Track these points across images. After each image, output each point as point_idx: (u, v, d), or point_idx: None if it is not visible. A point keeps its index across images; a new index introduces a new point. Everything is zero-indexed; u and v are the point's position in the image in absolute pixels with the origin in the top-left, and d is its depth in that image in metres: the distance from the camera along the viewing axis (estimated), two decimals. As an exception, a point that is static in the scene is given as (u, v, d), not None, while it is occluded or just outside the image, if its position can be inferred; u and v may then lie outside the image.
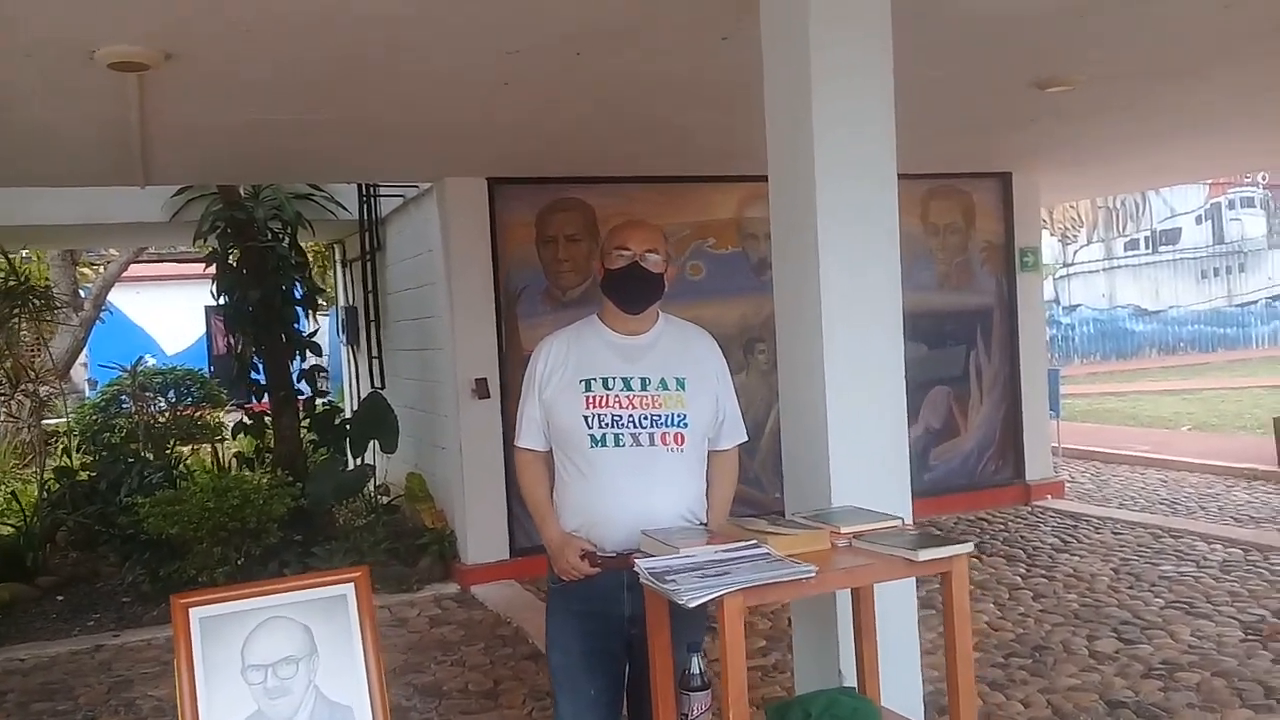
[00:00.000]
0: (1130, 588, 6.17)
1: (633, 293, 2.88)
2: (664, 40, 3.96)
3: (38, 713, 5.15)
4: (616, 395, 2.81)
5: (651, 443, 2.79)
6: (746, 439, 3.07)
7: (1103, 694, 4.57)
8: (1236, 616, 5.51)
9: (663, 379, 2.84)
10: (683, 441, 2.83)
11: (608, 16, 3.66)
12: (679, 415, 2.83)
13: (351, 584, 2.57)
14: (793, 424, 3.19)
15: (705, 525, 2.87)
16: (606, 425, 2.79)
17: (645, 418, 2.80)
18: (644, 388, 2.83)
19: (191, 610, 2.45)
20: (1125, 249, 23.70)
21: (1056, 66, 4.87)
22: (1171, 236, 23.69)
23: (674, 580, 2.23)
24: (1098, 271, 23.55)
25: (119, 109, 4.43)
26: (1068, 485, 9.28)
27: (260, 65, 4.01)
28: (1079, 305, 23.28)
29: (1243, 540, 7.11)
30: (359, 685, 2.49)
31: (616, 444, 2.78)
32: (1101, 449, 11.37)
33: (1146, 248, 23.67)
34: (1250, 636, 5.18)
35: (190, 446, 10.16)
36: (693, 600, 2.15)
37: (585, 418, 2.80)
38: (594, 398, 2.81)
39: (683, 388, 2.85)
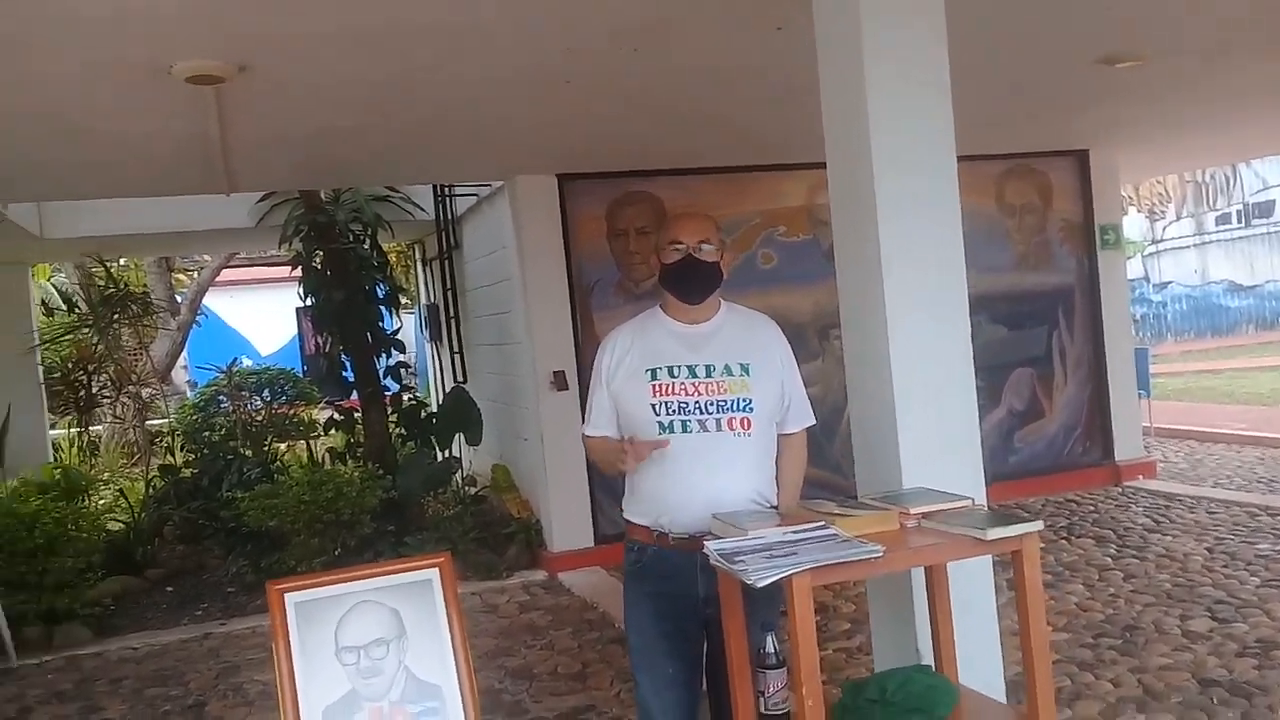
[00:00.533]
0: (1225, 567, 6.04)
1: (690, 284, 2.94)
2: (719, 33, 4.01)
3: (151, 698, 5.43)
4: (682, 383, 2.88)
5: (718, 428, 2.85)
6: (814, 422, 3.11)
7: (1195, 673, 4.51)
8: (1334, 594, 5.37)
9: (726, 365, 2.90)
10: (749, 426, 2.88)
11: (661, 11, 3.72)
12: (744, 400, 2.88)
13: (436, 569, 2.69)
14: (861, 409, 3.23)
15: (775, 508, 2.93)
16: (674, 412, 2.86)
17: (711, 404, 2.86)
18: (709, 374, 2.89)
19: (287, 596, 2.57)
20: (1217, 223, 22.92)
21: (1122, 42, 4.79)
22: (1265, 209, 22.81)
23: (743, 561, 2.30)
24: (1188, 247, 22.83)
25: (199, 121, 4.63)
26: (1160, 465, 9.08)
27: (329, 74, 4.17)
28: (1170, 282, 22.61)
29: (1342, 518, 6.90)
30: (447, 665, 2.60)
31: (684, 430, 2.85)
32: (1196, 427, 11.08)
33: (1239, 221, 22.85)
34: (1349, 615, 5.05)
35: (286, 443, 10.50)
36: (760, 580, 2.21)
37: (653, 405, 2.87)
38: (660, 385, 2.88)
39: (747, 373, 2.91)
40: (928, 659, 2.87)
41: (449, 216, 9.14)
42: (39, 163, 5.49)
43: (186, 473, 8.78)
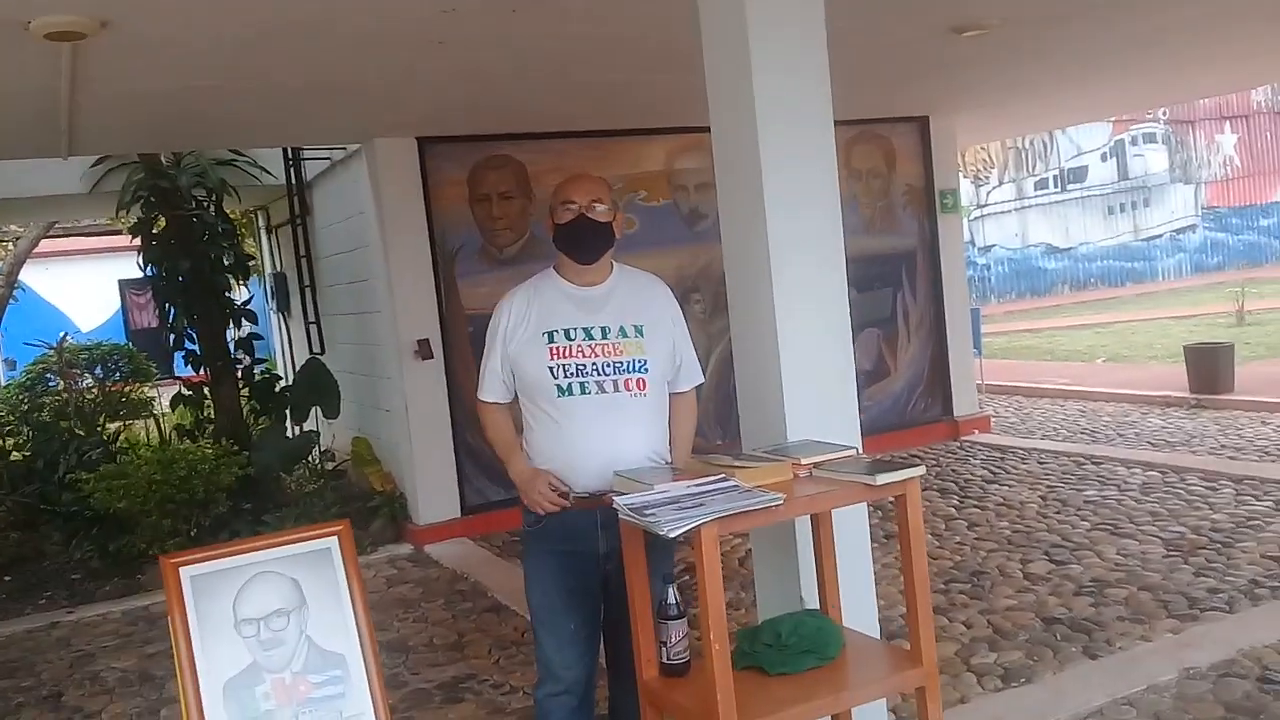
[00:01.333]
0: (1058, 513, 6.49)
1: (584, 243, 2.99)
2: (598, -2, 4.03)
3: (2, 690, 5.14)
4: (579, 345, 2.93)
5: (615, 389, 2.92)
6: (703, 381, 3.22)
7: (1038, 612, 4.84)
8: (1158, 534, 5.84)
9: (621, 327, 2.96)
10: (644, 386, 2.96)
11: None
12: (639, 361, 2.95)
13: (335, 537, 2.67)
14: (747, 363, 3.33)
15: (670, 464, 3.01)
16: (571, 375, 2.91)
17: (608, 365, 2.92)
18: (604, 336, 2.94)
19: (182, 570, 2.50)
20: (1035, 188, 24.29)
21: (972, 12, 5.04)
22: (1079, 174, 24.31)
23: (653, 513, 2.37)
24: (1010, 212, 24.10)
25: (49, 79, 4.36)
26: (993, 420, 9.63)
27: (191, 29, 3.98)
28: (993, 245, 23.83)
29: (1159, 463, 7.48)
30: (349, 633, 2.59)
31: (583, 392, 2.91)
32: (1022, 384, 11.79)
33: (1055, 186, 24.29)
34: (1172, 552, 5.50)
35: (121, 422, 10.01)
36: (674, 530, 2.28)
37: (550, 368, 2.92)
38: (557, 348, 2.92)
39: (641, 334, 2.98)
40: (812, 604, 3.02)
41: (300, 181, 8.84)
42: None
43: (17, 456, 8.28)
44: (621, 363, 2.93)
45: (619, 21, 4.44)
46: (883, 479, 2.58)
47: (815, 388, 3.21)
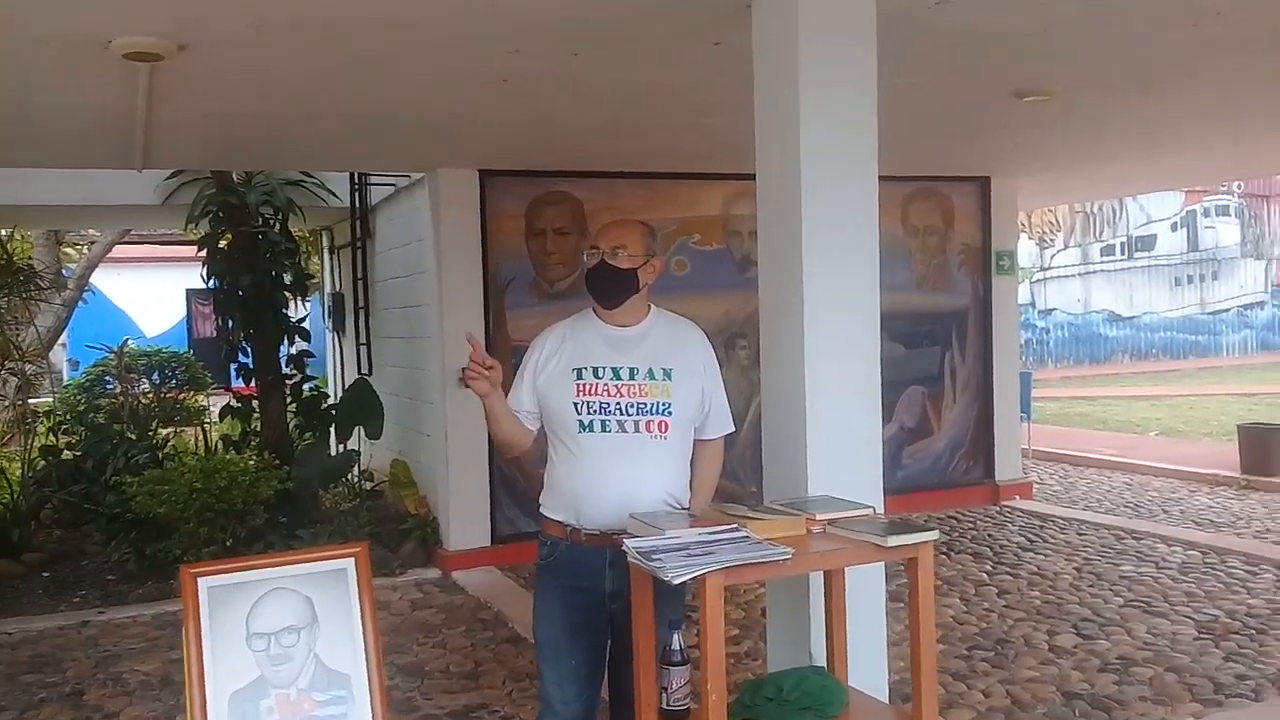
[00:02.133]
0: (1091, 586, 6.38)
1: (601, 289, 3.06)
2: (658, 44, 4.11)
3: (26, 684, 5.27)
4: (605, 384, 2.98)
5: (637, 429, 2.96)
6: (734, 429, 3.23)
7: (1060, 686, 4.77)
8: (1191, 616, 5.72)
9: (650, 369, 3.00)
10: (666, 429, 2.99)
11: (606, 21, 3.80)
12: (664, 404, 2.99)
13: (352, 559, 2.73)
14: (773, 416, 3.36)
15: (688, 510, 3.03)
16: (595, 411, 2.96)
17: (632, 405, 2.97)
18: (632, 377, 2.99)
19: (200, 579, 2.56)
20: (1101, 254, 24.00)
21: (1033, 78, 5.05)
22: (1147, 243, 24.00)
23: (660, 559, 2.39)
24: (1074, 276, 23.85)
25: (127, 97, 4.54)
26: (1036, 486, 9.50)
27: (266, 58, 4.14)
28: (1054, 309, 23.57)
29: (1201, 543, 7.33)
30: (357, 655, 2.63)
31: (604, 429, 2.95)
32: (1071, 452, 11.62)
33: (1122, 253, 23.97)
34: (1203, 635, 5.39)
35: (173, 428, 10.24)
36: (678, 577, 2.31)
37: (575, 404, 2.97)
38: (584, 385, 2.98)
39: (669, 378, 3.01)
40: (820, 660, 3.01)
41: (364, 205, 9.05)
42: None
43: (69, 455, 8.51)
44: (645, 404, 2.97)
45: (677, 70, 4.52)
46: (894, 540, 2.58)
47: (840, 444, 3.23)
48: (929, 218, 8.79)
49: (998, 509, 8.76)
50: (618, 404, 2.96)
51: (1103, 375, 21.57)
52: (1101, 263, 24.08)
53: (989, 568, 6.88)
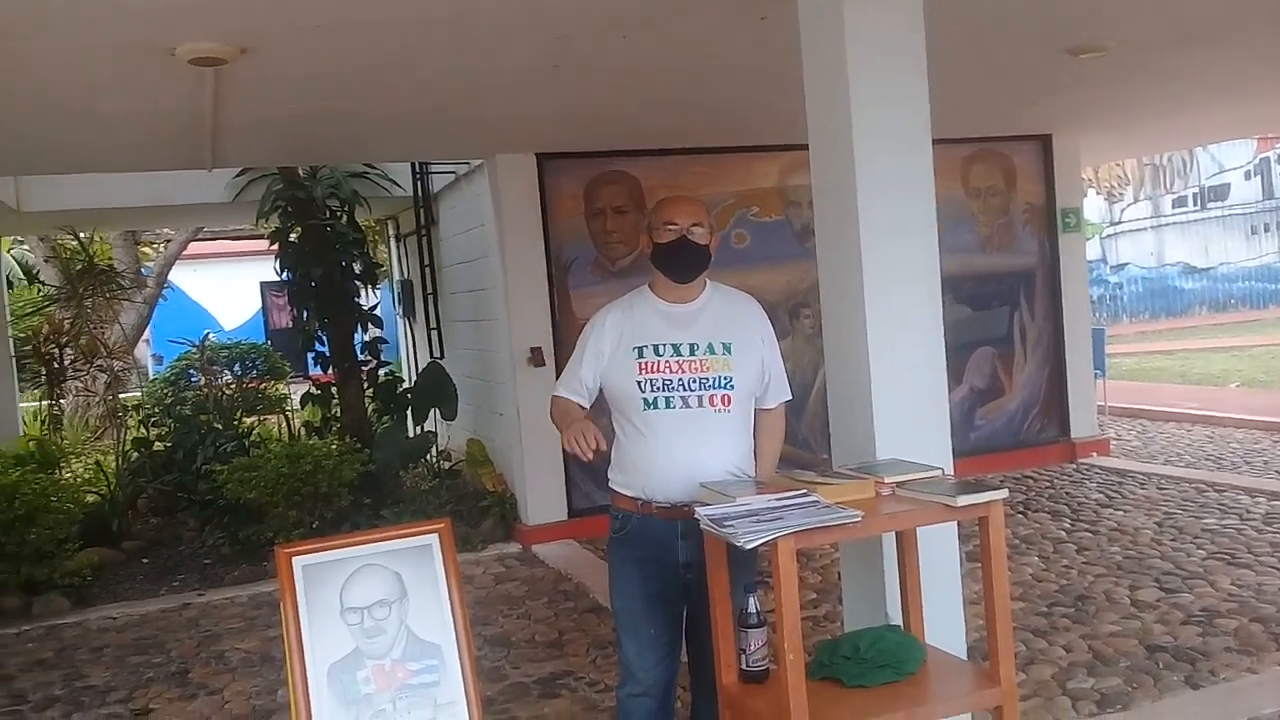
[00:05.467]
0: (1173, 540, 6.31)
1: (682, 264, 3.10)
2: (706, 21, 4.14)
3: (134, 665, 5.53)
4: (667, 361, 3.04)
5: (700, 404, 3.02)
6: (791, 397, 3.28)
7: (1142, 639, 4.74)
8: (1277, 566, 5.63)
9: (710, 344, 3.06)
10: (729, 403, 3.04)
11: (653, 1, 3.85)
12: (725, 378, 3.04)
13: (436, 534, 2.85)
14: (838, 382, 3.40)
15: (755, 479, 3.10)
16: (658, 389, 3.02)
17: (694, 381, 3.03)
18: (692, 353, 3.05)
19: (294, 559, 2.70)
20: (1173, 206, 23.36)
21: (1086, 34, 4.98)
22: (1220, 193, 23.29)
23: (732, 525, 2.46)
24: (1145, 229, 23.26)
25: (194, 100, 4.71)
26: (1114, 443, 9.36)
27: (323, 58, 4.27)
28: (1127, 264, 23.04)
29: (1286, 493, 7.19)
30: (446, 625, 2.75)
31: (668, 406, 3.02)
32: (1149, 407, 11.40)
33: (1195, 204, 23.30)
34: (1290, 584, 5.32)
35: (256, 417, 10.56)
36: (750, 542, 2.38)
37: (639, 383, 3.04)
38: (646, 364, 3.04)
39: (729, 351, 3.07)
40: (896, 620, 3.06)
41: (426, 193, 9.22)
42: (30, 138, 5.53)
43: (160, 446, 8.83)
44: (708, 379, 3.03)
45: (727, 46, 4.55)
46: (964, 500, 2.61)
47: (906, 408, 3.26)
48: (990, 178, 8.68)
49: (1075, 467, 8.66)
50: (680, 380, 3.02)
51: (1180, 329, 21.06)
52: (1174, 215, 23.46)
53: (1067, 525, 6.84)
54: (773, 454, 3.24)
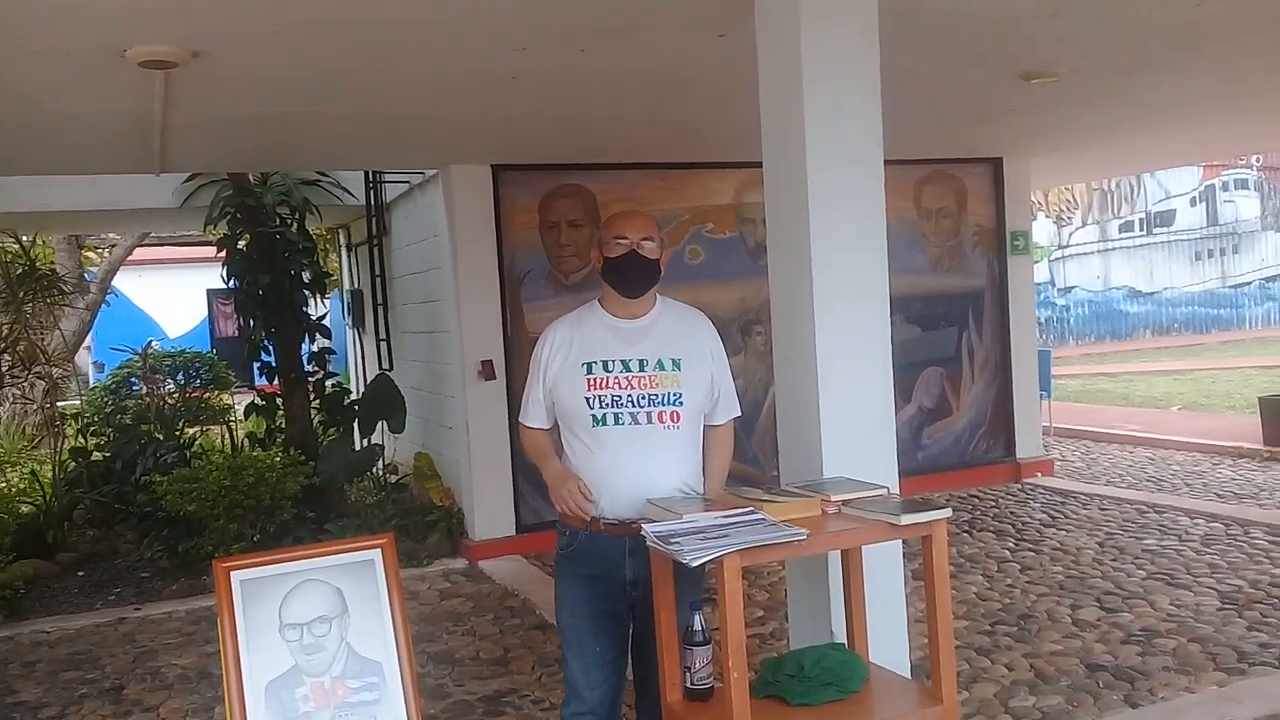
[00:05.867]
0: (1114, 560, 6.40)
1: (632, 278, 3.08)
2: (665, 37, 4.16)
3: (67, 681, 5.39)
4: (616, 377, 3.02)
5: (649, 420, 3.01)
6: (740, 414, 3.28)
7: (1083, 658, 4.81)
8: (1215, 587, 5.74)
9: (659, 360, 3.05)
10: (678, 419, 3.04)
11: (611, 16, 3.85)
12: (674, 394, 3.03)
13: (379, 549, 2.80)
14: (787, 400, 3.40)
15: (703, 496, 3.09)
16: (607, 405, 3.00)
17: (643, 397, 3.01)
18: (642, 369, 3.03)
19: (233, 573, 2.64)
20: (1120, 231, 23.87)
21: (1038, 61, 5.07)
22: (1166, 218, 23.85)
23: (678, 542, 2.45)
24: (1092, 253, 23.72)
25: (144, 103, 4.63)
26: (1058, 463, 9.49)
27: (278, 62, 4.22)
28: (1074, 287, 23.46)
29: (1224, 515, 7.33)
30: (388, 642, 2.70)
31: (616, 422, 3.00)
32: (1092, 428, 11.59)
33: (1141, 229, 23.84)
34: (1227, 605, 5.41)
35: (198, 428, 10.37)
36: (695, 560, 2.37)
37: (587, 399, 3.01)
38: (595, 380, 3.02)
39: (678, 368, 3.06)
40: (840, 638, 3.06)
41: (379, 203, 9.13)
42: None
43: (98, 456, 8.64)
44: (657, 395, 3.01)
45: (685, 62, 4.57)
46: (908, 519, 2.62)
47: (854, 427, 3.26)
48: (942, 200, 8.80)
49: (1020, 486, 8.78)
50: (629, 396, 3.00)
51: (1124, 351, 21.48)
52: (1120, 239, 23.95)
53: (1011, 544, 6.91)
54: (721, 471, 3.23)
